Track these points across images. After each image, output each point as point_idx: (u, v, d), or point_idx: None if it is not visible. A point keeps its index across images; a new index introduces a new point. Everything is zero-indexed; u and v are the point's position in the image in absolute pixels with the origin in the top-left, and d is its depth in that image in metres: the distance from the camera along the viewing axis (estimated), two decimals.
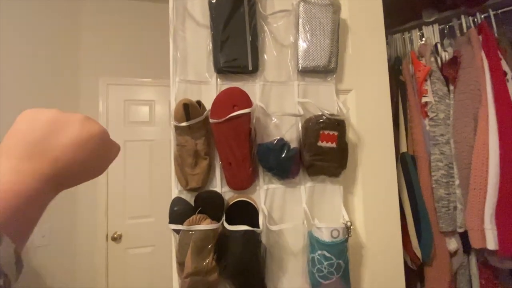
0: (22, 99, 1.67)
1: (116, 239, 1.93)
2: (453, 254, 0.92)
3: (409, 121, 1.00)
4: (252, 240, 0.66)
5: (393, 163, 0.85)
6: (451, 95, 1.00)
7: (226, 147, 0.70)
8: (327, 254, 0.67)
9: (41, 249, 1.68)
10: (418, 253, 0.88)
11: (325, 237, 0.67)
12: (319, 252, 0.69)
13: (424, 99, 0.98)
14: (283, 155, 0.71)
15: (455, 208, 0.91)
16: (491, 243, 0.81)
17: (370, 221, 0.81)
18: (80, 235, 1.85)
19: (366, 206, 0.82)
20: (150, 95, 2.07)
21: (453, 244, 0.91)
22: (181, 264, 0.67)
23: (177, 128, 0.69)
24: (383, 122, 0.86)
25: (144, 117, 2.05)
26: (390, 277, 0.81)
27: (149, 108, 2.07)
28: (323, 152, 0.72)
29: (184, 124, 0.66)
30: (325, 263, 0.68)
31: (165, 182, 1.97)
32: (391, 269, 0.81)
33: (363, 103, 0.84)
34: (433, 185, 0.92)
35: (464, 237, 0.92)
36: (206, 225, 0.66)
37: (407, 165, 0.93)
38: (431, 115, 0.98)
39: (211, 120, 0.68)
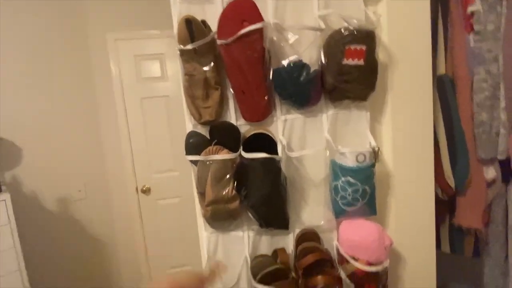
0: (29, 62, 1.65)
1: (146, 191, 2.06)
2: (489, 183, 0.85)
3: (449, 38, 0.85)
4: (272, 168, 0.64)
5: (430, 86, 0.75)
6: (504, 2, 0.82)
7: (238, 73, 0.64)
8: (352, 180, 0.64)
9: (80, 203, 1.84)
10: (451, 183, 0.82)
11: (350, 162, 0.63)
12: (343, 179, 0.65)
13: (470, 9, 0.82)
14: (302, 79, 0.64)
15: (497, 134, 0.81)
16: None
17: (399, 151, 0.75)
18: (113, 189, 1.99)
19: (395, 136, 0.74)
20: (159, 48, 1.98)
21: (491, 172, 0.84)
22: (202, 194, 0.67)
23: (182, 53, 0.62)
24: (420, 37, 0.73)
25: (156, 73, 2.00)
26: (419, 207, 0.77)
27: (160, 62, 2.00)
28: (348, 71, 0.63)
29: (189, 46, 0.60)
30: (350, 189, 0.65)
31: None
32: (421, 199, 0.77)
33: (397, 13, 0.71)
34: (475, 110, 0.81)
35: (504, 165, 0.83)
36: (223, 155, 0.64)
37: (445, 88, 0.82)
38: (477, 28, 0.82)
39: (218, 42, 0.61)
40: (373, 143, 0.67)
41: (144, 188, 2.06)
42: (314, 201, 0.74)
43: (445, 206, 0.92)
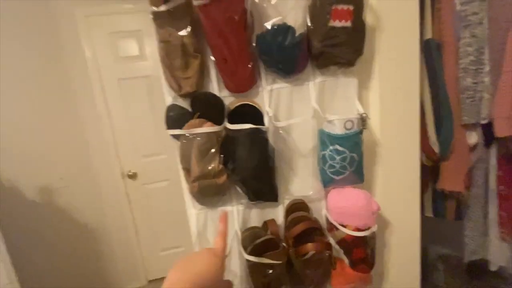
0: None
1: (132, 176, 2.01)
2: (472, 148, 0.88)
3: (436, 1, 0.83)
4: (259, 139, 0.61)
5: (417, 51, 0.73)
6: None
7: (218, 38, 0.59)
8: (340, 148, 0.63)
9: (63, 190, 1.77)
10: (436, 148, 0.83)
11: (338, 129, 0.62)
12: (331, 147, 0.64)
13: None
14: (287, 43, 0.60)
15: (480, 98, 0.82)
16: None
17: (386, 117, 0.74)
18: (98, 175, 1.92)
19: (383, 101, 0.73)
20: (136, 24, 1.85)
21: (473, 137, 0.86)
22: (187, 170, 0.65)
23: (156, 16, 0.57)
24: (407, 0, 0.70)
25: (133, 51, 1.88)
26: (405, 174, 0.78)
27: (137, 40, 1.87)
28: (335, 34, 0.60)
29: (162, 8, 0.54)
30: (338, 157, 0.64)
31: None
32: (407, 166, 0.78)
33: None
34: (460, 74, 0.81)
35: (485, 129, 0.85)
36: (208, 128, 0.61)
37: (431, 52, 0.81)
38: None
39: (195, 2, 0.56)
40: (361, 110, 0.65)
41: (130, 173, 2.01)
42: (302, 171, 0.73)
43: (428, 172, 0.94)
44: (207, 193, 0.65)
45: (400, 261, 0.82)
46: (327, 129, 0.64)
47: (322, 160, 0.67)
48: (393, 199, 0.78)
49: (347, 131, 0.61)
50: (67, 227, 1.79)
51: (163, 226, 2.11)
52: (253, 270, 0.66)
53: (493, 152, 0.88)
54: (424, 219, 0.90)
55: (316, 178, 0.72)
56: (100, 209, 1.94)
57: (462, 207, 0.95)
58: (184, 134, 0.61)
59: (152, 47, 1.88)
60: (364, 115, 0.63)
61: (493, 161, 0.88)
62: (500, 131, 0.78)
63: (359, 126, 0.62)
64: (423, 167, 0.91)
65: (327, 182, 0.70)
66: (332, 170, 0.66)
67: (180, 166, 0.67)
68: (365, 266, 0.67)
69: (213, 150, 0.62)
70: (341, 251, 0.69)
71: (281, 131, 0.66)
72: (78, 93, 1.80)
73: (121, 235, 2.04)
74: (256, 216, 0.74)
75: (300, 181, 0.73)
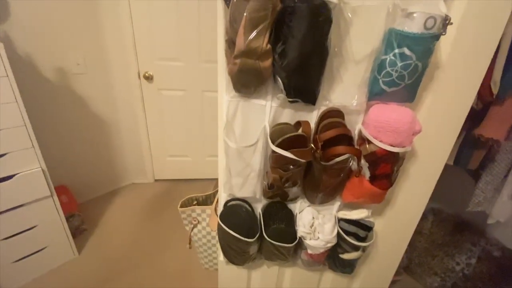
0: None
1: (148, 78, 1.96)
2: None
3: None
4: (322, 17, 0.53)
5: None
6: None
7: None
8: (407, 52, 0.55)
9: (80, 77, 1.74)
10: (495, 89, 0.76)
11: (415, 27, 0.53)
12: (397, 51, 0.56)
13: None
14: None
15: None
16: None
17: (459, 42, 0.64)
18: (114, 69, 1.87)
19: (461, 23, 0.62)
20: None
21: None
22: (231, 43, 0.58)
23: None
24: None
25: None
26: (453, 107, 0.72)
27: None
28: None
29: None
30: (400, 64, 0.57)
31: (193, 24, 1.76)
32: (459, 101, 0.71)
33: None
34: None
35: None
36: None
37: None
38: None
39: None
40: (444, 10, 0.55)
41: (146, 74, 1.95)
42: (349, 78, 0.66)
43: (470, 119, 0.88)
44: (247, 76, 0.61)
45: (409, 193, 0.83)
46: (401, 26, 0.55)
47: (380, 66, 0.60)
48: (428, 132, 0.74)
49: (425, 31, 0.53)
50: (81, 114, 1.83)
51: (174, 134, 2.17)
52: (276, 163, 0.67)
53: None
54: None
55: (363, 88, 0.66)
56: (113, 103, 1.95)
57: (489, 158, 0.92)
58: None
59: None
60: (448, 16, 0.53)
61: None
62: None
63: (439, 28, 0.53)
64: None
65: (375, 94, 0.64)
66: (387, 79, 0.60)
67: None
68: (386, 181, 0.67)
69: (265, 23, 0.54)
70: (366, 165, 0.68)
71: (349, 14, 0.57)
72: None
73: (133, 133, 2.11)
74: (288, 116, 0.72)
75: (344, 89, 0.68)
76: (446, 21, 0.53)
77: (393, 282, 1.66)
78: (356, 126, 0.71)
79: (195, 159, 2.29)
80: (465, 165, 0.95)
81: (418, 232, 1.52)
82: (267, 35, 0.56)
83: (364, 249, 0.78)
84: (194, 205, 1.03)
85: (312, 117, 0.72)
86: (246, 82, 0.63)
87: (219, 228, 0.80)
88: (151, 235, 1.75)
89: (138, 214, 1.95)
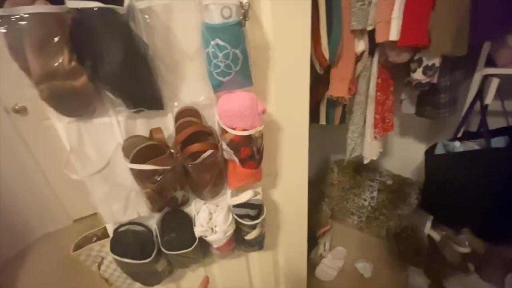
0: None
1: (20, 111, 1.66)
2: (359, 57, 0.95)
3: None
4: (116, 25, 0.50)
5: None
6: None
7: None
8: (220, 42, 0.58)
9: None
10: (326, 54, 0.87)
11: (216, 18, 0.55)
12: (212, 43, 0.58)
13: None
14: None
15: (369, 3, 0.84)
16: (394, 34, 0.82)
17: (278, 19, 0.70)
18: None
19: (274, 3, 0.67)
20: None
21: (361, 45, 0.91)
22: (26, 70, 0.51)
23: None
24: None
25: None
26: (295, 80, 0.80)
27: None
28: None
29: None
30: (220, 54, 0.59)
31: None
32: (298, 72, 0.79)
33: None
34: None
35: (371, 37, 0.91)
36: (38, 7, 0.46)
37: None
38: None
39: None
40: None
41: (17, 108, 1.64)
42: (190, 76, 0.67)
43: (324, 82, 1.01)
44: (64, 100, 0.55)
45: (289, 161, 0.92)
46: (206, 19, 0.56)
47: (207, 59, 0.62)
48: (284, 104, 0.81)
49: (225, 21, 0.55)
50: None
51: None
52: (140, 178, 0.64)
53: (375, 60, 0.97)
54: (316, 127, 1.00)
55: (206, 83, 0.67)
56: None
57: (346, 112, 1.08)
58: (6, 16, 0.45)
59: None
60: (245, 2, 0.57)
61: (374, 68, 0.98)
62: (379, 36, 0.84)
63: (238, 15, 0.57)
64: (319, 76, 0.96)
65: (217, 86, 0.66)
66: (217, 70, 0.62)
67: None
68: (252, 162, 0.72)
69: (55, 40, 0.48)
70: (232, 152, 0.71)
71: (146, 16, 0.55)
72: None
73: (25, 180, 1.78)
74: (143, 126, 0.69)
75: (189, 87, 0.68)
76: (244, 7, 0.56)
77: (324, 232, 1.85)
78: (215, 118, 0.73)
79: None
80: (332, 121, 1.10)
81: (330, 184, 1.73)
82: (66, 51, 0.50)
83: (261, 225, 0.84)
84: (94, 241, 0.94)
85: (168, 120, 0.70)
86: (68, 106, 0.57)
87: (114, 259, 0.75)
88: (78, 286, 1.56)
89: (58, 266, 1.70)
